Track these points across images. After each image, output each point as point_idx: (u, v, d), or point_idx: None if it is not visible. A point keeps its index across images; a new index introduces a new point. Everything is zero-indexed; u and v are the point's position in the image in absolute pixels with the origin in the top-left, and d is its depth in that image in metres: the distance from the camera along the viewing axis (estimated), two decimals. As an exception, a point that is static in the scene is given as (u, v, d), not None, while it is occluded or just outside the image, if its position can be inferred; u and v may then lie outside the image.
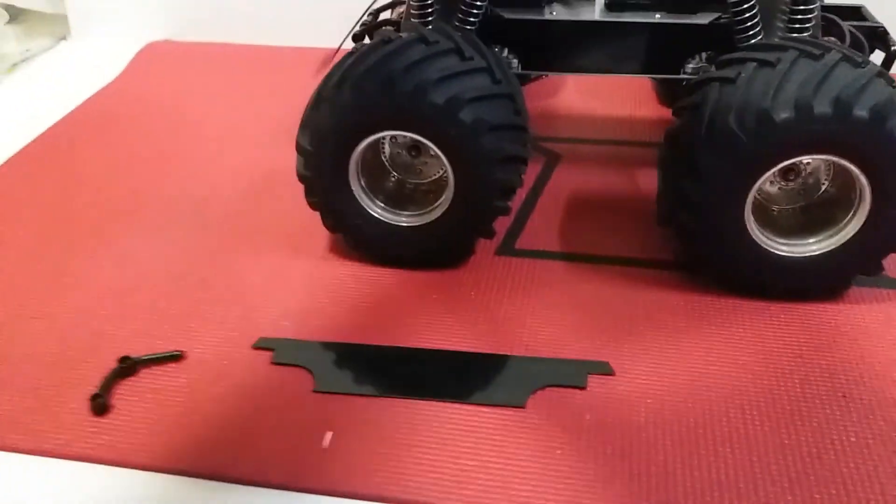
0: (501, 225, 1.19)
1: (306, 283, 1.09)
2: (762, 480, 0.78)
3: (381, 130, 1.01)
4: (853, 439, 0.82)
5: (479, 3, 1.09)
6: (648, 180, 1.28)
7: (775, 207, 1.05)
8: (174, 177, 1.37)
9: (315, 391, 0.91)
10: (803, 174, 1.03)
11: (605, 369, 0.93)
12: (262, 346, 0.98)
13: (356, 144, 1.02)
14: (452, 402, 0.89)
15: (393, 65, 0.96)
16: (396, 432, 0.85)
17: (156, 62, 1.87)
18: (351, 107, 0.98)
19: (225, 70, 1.82)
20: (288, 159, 1.08)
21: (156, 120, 1.60)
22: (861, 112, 0.88)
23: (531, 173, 1.34)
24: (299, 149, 1.04)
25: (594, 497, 0.77)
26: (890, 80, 0.93)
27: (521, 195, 1.28)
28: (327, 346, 0.97)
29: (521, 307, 1.03)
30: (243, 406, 0.89)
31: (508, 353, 0.96)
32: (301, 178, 1.06)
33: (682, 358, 0.94)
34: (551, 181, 1.33)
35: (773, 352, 0.94)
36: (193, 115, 1.60)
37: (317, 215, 1.10)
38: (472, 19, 1.09)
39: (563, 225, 1.22)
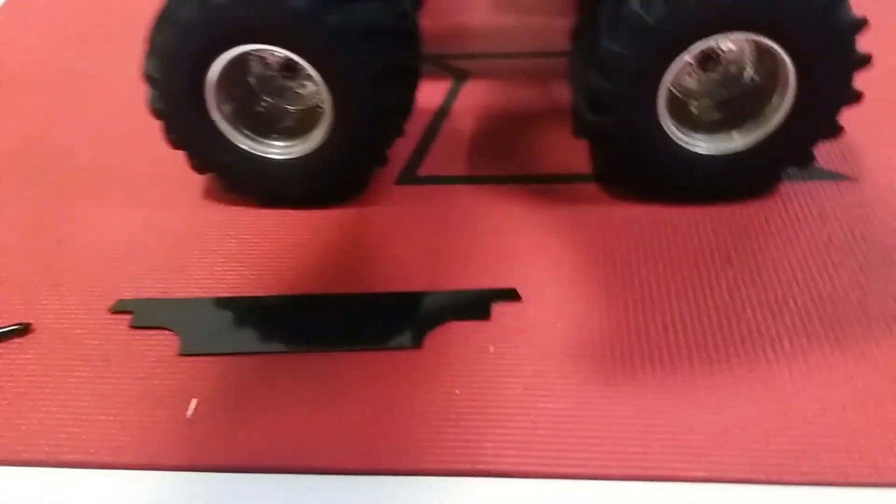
0: (403, 151, 1.06)
1: (177, 235, 0.95)
2: (691, 400, 0.68)
3: (236, 45, 0.86)
4: (787, 347, 0.73)
5: None
6: (566, 92, 1.16)
7: (695, 103, 0.94)
8: (32, 124, 1.21)
9: (180, 354, 0.79)
10: (724, 62, 0.91)
11: (511, 296, 0.82)
12: (120, 309, 0.85)
13: (209, 65, 0.87)
14: (340, 351, 0.77)
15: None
16: (272, 392, 0.74)
17: (15, 6, 1.68)
18: (197, 19, 0.84)
19: (91, 13, 1.64)
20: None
21: (13, 65, 1.42)
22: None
23: (437, 94, 1.21)
24: (147, 78, 0.89)
25: (495, 439, 0.67)
26: None
27: (425, 117, 1.15)
28: (194, 303, 0.85)
29: (424, 239, 0.91)
30: (98, 378, 0.77)
31: (404, 291, 0.84)
32: (155, 112, 0.92)
33: (597, 276, 0.83)
34: (458, 100, 1.20)
35: (699, 260, 0.84)
36: (56, 59, 1.43)
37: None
38: None
39: (472, 146, 1.10)
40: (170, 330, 0.81)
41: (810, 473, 0.61)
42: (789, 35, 0.81)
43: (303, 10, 0.81)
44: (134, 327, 0.82)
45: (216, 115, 0.91)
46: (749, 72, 0.92)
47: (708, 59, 0.90)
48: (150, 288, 0.87)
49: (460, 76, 1.26)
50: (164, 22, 0.86)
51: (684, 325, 0.76)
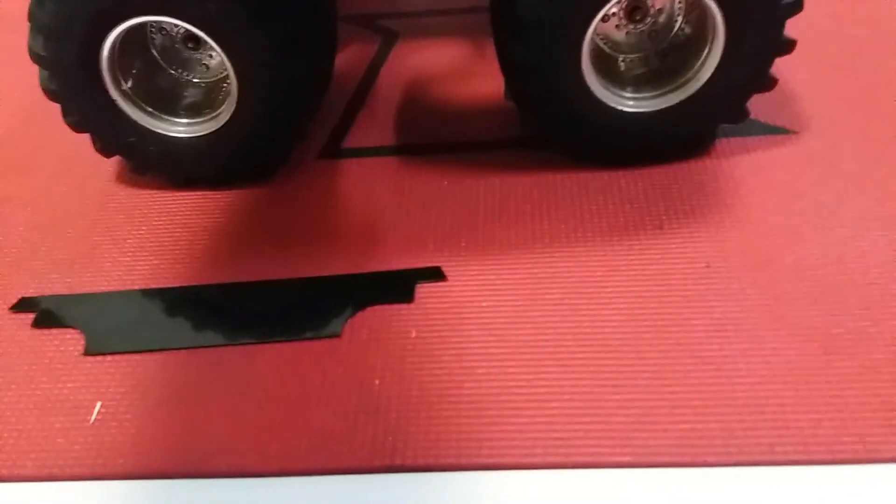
0: (328, 121, 1.01)
1: (83, 226, 0.89)
2: (618, 379, 0.65)
3: (127, 18, 0.79)
4: (717, 315, 0.70)
5: None
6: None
7: (623, 57, 0.89)
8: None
9: (86, 354, 0.74)
10: (652, 12, 0.87)
11: (435, 276, 0.78)
12: (22, 307, 0.79)
13: (103, 40, 0.80)
14: (255, 344, 0.73)
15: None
16: (183, 392, 0.69)
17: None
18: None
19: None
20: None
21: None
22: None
23: (364, 57, 1.15)
24: (34, 57, 0.82)
25: (417, 429, 0.63)
26: None
27: (350, 84, 1.09)
28: (101, 297, 0.80)
29: (348, 217, 0.87)
30: (-3, 384, 0.72)
31: (325, 275, 0.80)
32: (49, 93, 0.85)
33: (523, 249, 0.79)
34: (387, 65, 1.14)
35: (629, 227, 0.81)
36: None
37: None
38: None
39: (400, 115, 1.04)
40: (76, 328, 0.76)
41: (738, 454, 0.59)
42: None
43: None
44: (37, 326, 0.77)
45: (116, 94, 0.85)
46: (678, 22, 0.87)
47: (635, 9, 0.85)
48: (55, 283, 0.82)
49: (389, 37, 1.20)
50: (45, -6, 0.79)
51: (613, 300, 0.73)
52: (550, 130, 0.88)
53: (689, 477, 0.58)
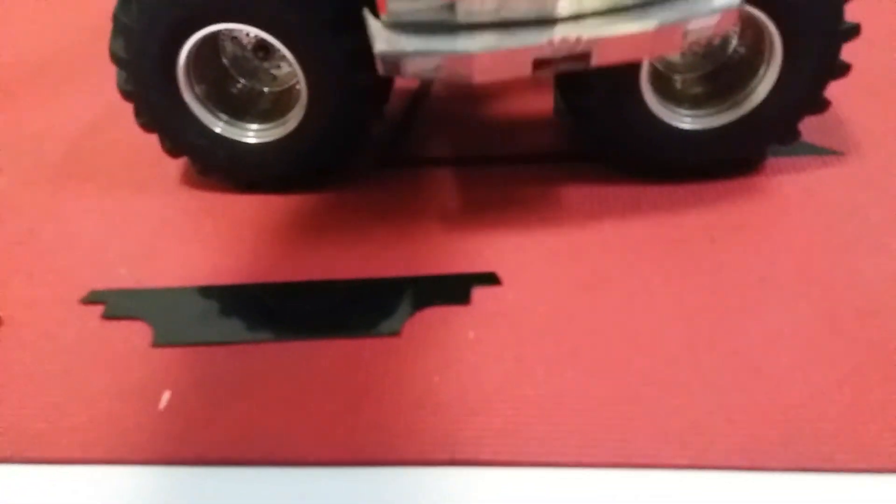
0: (384, 133, 1.04)
1: (150, 223, 0.93)
2: (673, 386, 0.67)
3: (206, 25, 0.83)
4: (773, 328, 0.71)
5: None
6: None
7: (678, 77, 0.92)
8: (1, 113, 1.18)
9: (154, 345, 0.77)
10: (706, 35, 0.89)
11: (491, 280, 0.80)
12: (92, 299, 0.82)
13: (181, 45, 0.84)
14: (316, 340, 0.75)
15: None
16: (247, 383, 0.72)
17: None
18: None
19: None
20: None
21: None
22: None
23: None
24: (114, 59, 0.87)
25: (475, 428, 0.65)
26: None
27: (405, 98, 1.13)
28: (167, 292, 0.83)
29: (403, 223, 0.89)
30: (68, 371, 0.75)
31: (383, 277, 0.82)
32: (124, 94, 0.89)
33: (579, 257, 0.81)
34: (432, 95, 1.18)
35: (682, 240, 0.82)
36: (24, 47, 1.39)
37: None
38: None
39: (453, 127, 1.07)
40: (143, 320, 0.79)
41: (797, 460, 0.60)
42: (776, 4, 0.79)
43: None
44: (106, 318, 0.80)
45: (188, 97, 0.88)
46: (734, 43, 0.90)
47: (692, 32, 0.88)
48: (123, 277, 0.85)
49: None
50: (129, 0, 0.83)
51: (667, 308, 0.74)
52: (605, 145, 0.90)
53: (748, 480, 0.59)
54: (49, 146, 1.09)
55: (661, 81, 0.89)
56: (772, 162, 0.91)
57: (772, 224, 0.83)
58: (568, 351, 0.71)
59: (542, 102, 1.07)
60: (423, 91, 1.15)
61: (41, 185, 1.01)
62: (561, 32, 0.71)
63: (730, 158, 0.90)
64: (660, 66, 0.89)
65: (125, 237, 0.91)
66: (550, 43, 0.71)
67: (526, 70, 0.74)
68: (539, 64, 0.73)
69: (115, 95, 0.90)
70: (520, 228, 0.87)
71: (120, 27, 0.84)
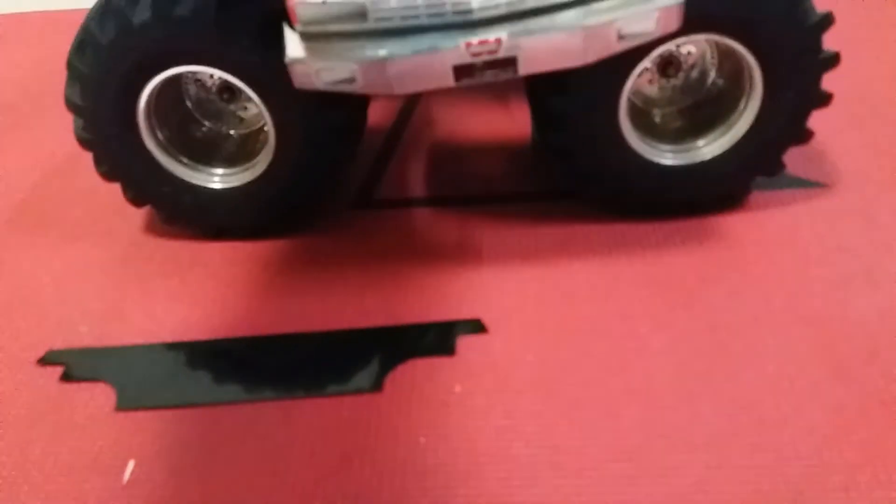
0: (358, 174, 1.01)
1: (112, 277, 0.88)
2: (673, 440, 0.63)
3: (167, 68, 0.79)
4: (770, 371, 0.68)
5: None
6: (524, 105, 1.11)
7: (657, 111, 0.90)
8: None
9: (118, 409, 0.72)
10: (684, 67, 0.87)
11: (476, 328, 0.76)
12: (50, 360, 0.77)
13: (140, 89, 0.80)
14: (291, 398, 0.71)
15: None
16: (219, 449, 0.67)
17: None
18: (120, 42, 0.76)
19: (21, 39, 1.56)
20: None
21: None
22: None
23: (389, 111, 1.16)
24: (71, 106, 0.82)
25: (468, 491, 0.61)
26: None
27: (378, 137, 1.09)
28: (132, 350, 0.78)
29: (381, 268, 0.85)
30: (23, 443, 0.69)
31: (362, 327, 0.78)
32: (82, 142, 0.85)
33: (566, 301, 0.78)
34: (414, 118, 1.15)
35: (671, 280, 0.79)
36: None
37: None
38: None
39: (430, 167, 1.04)
40: (105, 382, 0.74)
41: (806, 516, 0.57)
42: (754, 35, 0.77)
43: (233, 28, 0.75)
44: (65, 380, 0.75)
45: (151, 143, 0.84)
46: (712, 75, 0.88)
47: (668, 65, 0.86)
48: (84, 335, 0.80)
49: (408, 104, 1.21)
50: (84, 45, 0.79)
51: (660, 354, 0.71)
52: (585, 183, 0.88)
53: (758, 542, 0.56)
54: (4, 193, 1.04)
55: (641, 116, 0.87)
56: (756, 196, 0.89)
57: (761, 260, 0.81)
58: (560, 404, 0.67)
59: (518, 139, 1.05)
60: (397, 130, 1.12)
61: (-4, 236, 0.96)
62: (479, 35, 0.68)
63: (715, 193, 0.87)
64: (637, 102, 0.87)
65: (86, 291, 0.86)
66: (468, 46, 0.68)
67: (447, 79, 0.70)
68: (461, 72, 0.70)
69: (72, 142, 0.86)
70: (503, 271, 0.83)
71: (75, 74, 0.80)
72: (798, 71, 0.79)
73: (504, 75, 0.70)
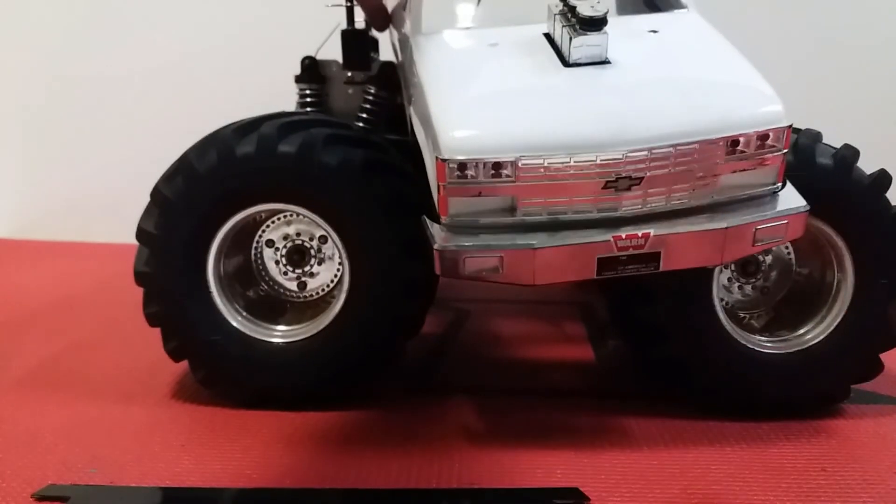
0: (412, 365, 0.94)
1: (133, 428, 0.75)
2: None
3: (255, 203, 0.77)
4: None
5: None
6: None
7: (744, 314, 0.87)
8: None
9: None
10: (764, 267, 0.87)
11: (576, 496, 0.64)
12: (49, 494, 0.62)
13: (222, 223, 0.77)
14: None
15: (272, 121, 0.77)
16: None
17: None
18: (217, 171, 0.75)
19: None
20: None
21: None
22: (824, 160, 0.76)
23: (441, 323, 1.12)
24: (141, 236, 0.78)
25: None
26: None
27: (432, 340, 1.04)
28: (146, 491, 0.63)
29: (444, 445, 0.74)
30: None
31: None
32: (139, 277, 0.79)
33: (663, 482, 0.68)
34: (462, 332, 1.10)
35: (773, 470, 0.70)
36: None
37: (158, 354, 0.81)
38: None
39: (485, 363, 0.98)
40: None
41: None
42: (842, 218, 0.78)
43: (334, 171, 0.75)
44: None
45: (213, 284, 0.79)
46: (794, 270, 0.86)
47: (747, 263, 0.85)
48: (91, 477, 0.66)
49: (461, 314, 1.18)
50: (176, 173, 0.77)
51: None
52: (686, 384, 0.82)
53: None
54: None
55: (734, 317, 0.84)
56: (851, 408, 0.82)
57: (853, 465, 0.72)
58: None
59: (577, 343, 1.01)
60: (458, 322, 1.07)
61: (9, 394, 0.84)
62: (627, 230, 0.69)
63: (811, 392, 0.81)
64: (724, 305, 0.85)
65: (94, 438, 0.73)
66: (616, 240, 0.68)
67: (590, 270, 0.68)
68: (604, 264, 0.69)
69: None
70: (592, 449, 0.73)
71: (157, 201, 0.77)
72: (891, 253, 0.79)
73: (645, 270, 0.70)
